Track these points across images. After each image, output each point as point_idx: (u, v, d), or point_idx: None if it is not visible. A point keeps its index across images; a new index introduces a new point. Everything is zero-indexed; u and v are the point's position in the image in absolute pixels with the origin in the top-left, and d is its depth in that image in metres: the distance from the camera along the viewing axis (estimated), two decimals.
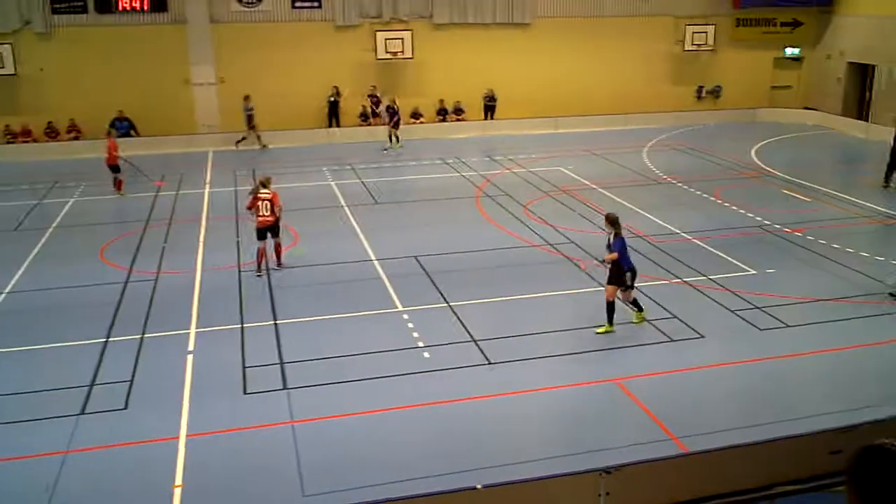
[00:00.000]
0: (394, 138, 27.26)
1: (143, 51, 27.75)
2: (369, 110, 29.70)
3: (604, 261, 12.54)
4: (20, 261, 16.17)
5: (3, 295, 14.45)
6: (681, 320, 12.91)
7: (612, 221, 12.36)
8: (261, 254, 15.23)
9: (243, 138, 27.77)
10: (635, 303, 12.71)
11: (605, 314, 12.37)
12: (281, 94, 28.25)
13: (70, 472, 9.04)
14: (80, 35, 27.42)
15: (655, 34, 32.23)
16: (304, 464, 9.17)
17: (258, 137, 27.86)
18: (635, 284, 12.47)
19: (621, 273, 12.17)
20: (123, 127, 27.15)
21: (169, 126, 28.01)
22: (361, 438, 9.76)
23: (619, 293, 12.37)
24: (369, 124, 29.46)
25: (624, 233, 14.85)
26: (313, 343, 12.30)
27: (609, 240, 12.36)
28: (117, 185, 21.58)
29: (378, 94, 29.42)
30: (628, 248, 12.47)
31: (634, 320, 12.69)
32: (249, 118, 27.47)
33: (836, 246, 16.52)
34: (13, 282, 15.07)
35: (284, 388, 10.91)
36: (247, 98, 27.24)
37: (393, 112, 27.25)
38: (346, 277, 15.15)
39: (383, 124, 27.73)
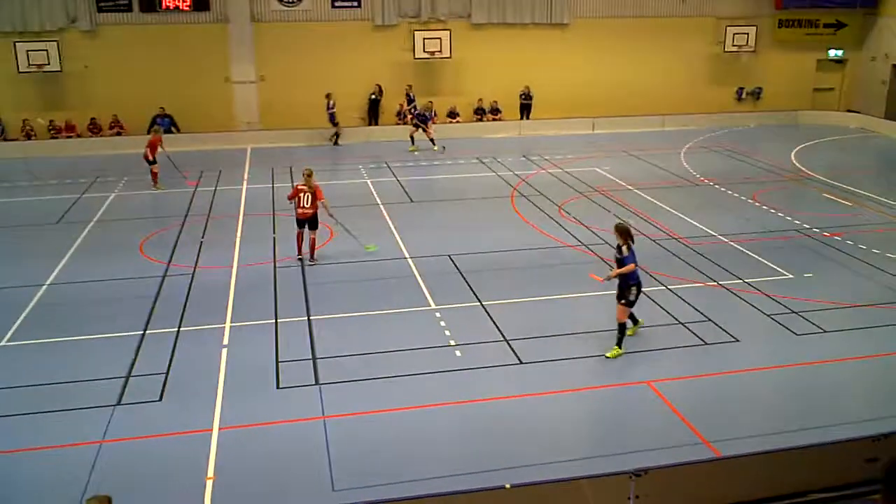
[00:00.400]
0: (418, 139, 27.16)
1: (185, 49, 28.16)
2: (405, 110, 29.78)
3: (608, 278, 11.70)
4: (62, 254, 16.49)
5: (45, 287, 14.73)
6: (715, 323, 12.77)
7: (624, 232, 11.53)
8: (300, 238, 15.83)
9: (336, 134, 28.49)
10: (621, 330, 11.69)
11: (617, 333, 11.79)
12: (320, 93, 28.47)
13: (105, 461, 9.21)
14: (124, 33, 27.87)
15: (695, 35, 31.91)
16: (335, 459, 9.23)
17: (336, 134, 28.56)
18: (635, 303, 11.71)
19: (627, 286, 11.50)
20: (165, 123, 27.53)
21: (209, 123, 28.38)
22: (392, 435, 9.80)
23: (617, 308, 11.64)
24: (405, 123, 29.55)
25: (659, 234, 14.66)
26: (346, 339, 12.36)
27: (621, 251, 11.51)
28: (153, 177, 22.01)
29: (413, 95, 29.48)
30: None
31: (608, 355, 11.69)
32: (332, 116, 28.12)
33: (876, 251, 16.23)
34: (54, 274, 15.37)
35: (317, 383, 10.99)
36: (328, 96, 27.87)
37: (423, 118, 27.17)
38: (380, 275, 15.22)
39: (414, 124, 27.66)
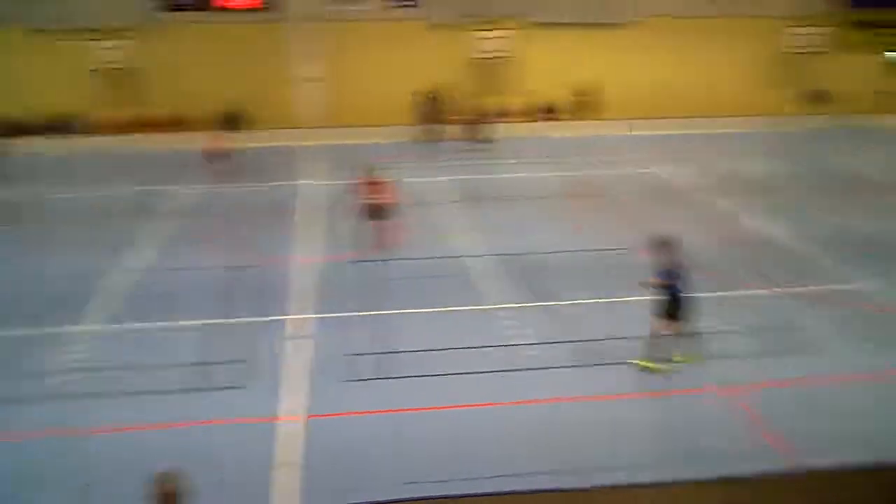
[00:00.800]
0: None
1: (248, 47, 28.78)
2: (458, 112, 29.81)
3: (643, 283, 11.10)
4: (144, 244, 17.06)
5: (131, 274, 15.28)
6: (787, 331, 12.57)
7: (659, 246, 10.94)
8: (373, 230, 16.31)
9: (429, 131, 29.12)
10: (684, 342, 11.27)
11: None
12: (378, 92, 28.83)
13: (183, 444, 9.49)
14: (189, 32, 28.56)
15: (759, 35, 31.34)
16: (405, 452, 9.35)
17: (428, 131, 29.16)
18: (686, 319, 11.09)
19: (663, 301, 10.95)
20: (230, 122, 28.04)
21: (272, 121, 28.86)
22: (461, 430, 9.85)
23: (670, 326, 11.05)
24: (461, 122, 29.56)
25: (729, 239, 14.17)
26: (411, 334, 12.55)
27: (661, 265, 10.99)
28: (218, 175, 22.59)
29: (461, 98, 29.54)
30: (682, 275, 10.97)
31: (675, 359, 11.32)
32: (421, 114, 29.09)
33: None
34: (137, 265, 15.88)
35: (385, 377, 11.16)
36: (415, 94, 28.82)
37: (475, 126, 27.62)
38: (442, 272, 15.34)
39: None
